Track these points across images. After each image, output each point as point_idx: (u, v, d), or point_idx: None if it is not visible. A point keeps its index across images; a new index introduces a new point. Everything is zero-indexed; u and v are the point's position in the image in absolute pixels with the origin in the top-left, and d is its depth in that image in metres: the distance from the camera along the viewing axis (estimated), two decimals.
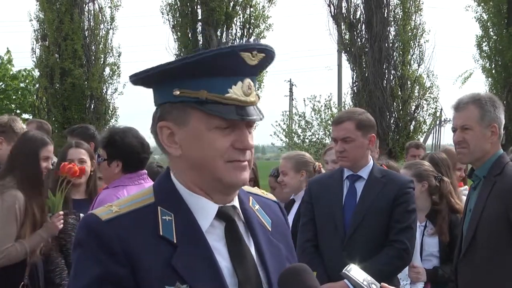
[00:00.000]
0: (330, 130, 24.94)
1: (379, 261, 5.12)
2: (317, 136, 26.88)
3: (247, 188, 2.60)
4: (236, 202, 2.45)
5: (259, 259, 2.42)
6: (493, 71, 26.66)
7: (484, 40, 26.76)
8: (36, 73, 25.93)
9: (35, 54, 25.49)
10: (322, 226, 5.64)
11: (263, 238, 2.47)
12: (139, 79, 2.39)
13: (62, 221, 5.83)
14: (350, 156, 5.46)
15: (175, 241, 2.28)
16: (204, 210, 2.37)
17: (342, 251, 5.24)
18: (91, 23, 25.68)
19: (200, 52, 2.28)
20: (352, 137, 5.39)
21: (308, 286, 2.25)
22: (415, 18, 26.27)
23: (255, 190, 2.66)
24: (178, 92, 2.28)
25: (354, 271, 2.40)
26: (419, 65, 26.40)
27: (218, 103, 2.27)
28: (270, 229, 2.53)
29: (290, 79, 63.32)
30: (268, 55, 2.33)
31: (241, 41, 26.25)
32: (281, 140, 29.11)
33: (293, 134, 27.92)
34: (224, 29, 26.29)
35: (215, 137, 2.29)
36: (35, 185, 5.95)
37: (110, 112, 25.72)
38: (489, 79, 26.79)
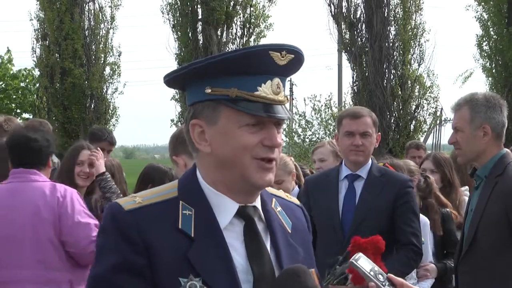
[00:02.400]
0: (330, 130, 25.16)
1: (398, 262, 5.15)
2: (317, 135, 26.91)
3: (271, 190, 2.65)
4: (258, 203, 2.50)
5: (276, 260, 2.44)
6: (493, 71, 26.73)
7: (484, 39, 26.80)
8: (37, 72, 26.01)
9: (35, 53, 25.59)
10: (320, 226, 5.63)
11: (282, 240, 2.50)
12: (172, 78, 2.47)
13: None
14: (366, 151, 5.50)
15: (192, 235, 2.32)
16: (225, 208, 2.41)
17: (341, 253, 5.22)
18: (92, 23, 25.72)
19: (233, 51, 2.35)
20: (370, 132, 5.45)
21: (307, 285, 2.24)
22: (415, 18, 26.32)
23: (280, 192, 2.70)
24: (209, 90, 2.35)
25: (362, 260, 2.42)
26: (419, 65, 26.49)
27: (247, 100, 2.33)
28: (290, 231, 2.56)
29: (291, 79, 63.41)
30: (296, 56, 2.40)
31: (241, 41, 26.30)
32: (282, 139, 29.12)
33: (293, 133, 27.97)
34: (225, 29, 26.35)
35: (243, 134, 2.35)
36: None
37: (110, 111, 25.78)
38: (489, 78, 26.85)
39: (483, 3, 26.84)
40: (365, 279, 2.42)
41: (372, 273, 2.39)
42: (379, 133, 5.56)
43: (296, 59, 2.41)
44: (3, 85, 27.48)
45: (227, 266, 2.32)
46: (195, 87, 2.40)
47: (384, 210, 5.47)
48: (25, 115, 27.45)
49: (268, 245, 2.45)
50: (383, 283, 2.37)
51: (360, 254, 2.46)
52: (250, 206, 2.45)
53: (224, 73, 2.34)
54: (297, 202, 2.76)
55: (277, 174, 7.11)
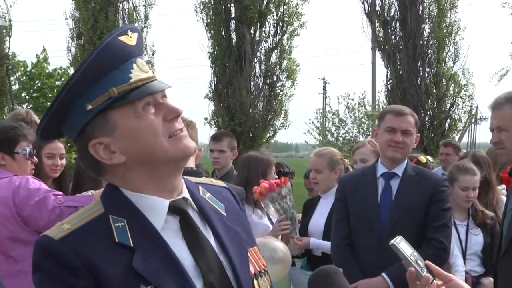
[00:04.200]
0: (364, 128, 25.08)
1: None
2: (350, 134, 26.81)
3: (194, 179, 2.62)
4: (186, 194, 2.45)
5: (219, 245, 2.42)
6: None
7: None
8: (72, 71, 26.05)
9: (70, 52, 25.69)
10: (357, 224, 5.67)
11: (220, 225, 2.48)
12: (45, 124, 2.37)
13: None
14: (406, 149, 5.54)
15: (132, 245, 2.28)
16: (155, 209, 2.36)
17: (378, 250, 5.24)
18: (126, 21, 25.77)
19: (87, 58, 2.28)
20: (411, 131, 5.48)
21: (339, 286, 2.25)
22: (450, 15, 26.09)
23: (203, 179, 2.68)
24: (90, 106, 2.27)
25: (403, 243, 2.41)
26: (454, 63, 26.25)
27: (130, 91, 2.29)
28: (224, 214, 2.54)
29: (324, 77, 63.23)
30: (138, 32, 2.39)
31: (275, 39, 26.27)
32: (315, 138, 29.05)
33: (326, 132, 27.87)
34: (258, 27, 26.27)
35: (147, 121, 2.30)
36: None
37: None
38: None
39: None
40: (404, 263, 2.41)
41: (412, 257, 2.38)
42: (419, 134, 5.59)
43: (139, 36, 2.39)
44: (39, 84, 27.62)
45: (174, 267, 2.29)
46: (72, 115, 2.33)
47: (419, 208, 5.50)
48: None
49: (207, 233, 2.43)
50: (422, 269, 2.36)
51: (401, 237, 2.45)
52: (180, 199, 2.41)
53: (95, 78, 2.28)
54: (223, 184, 2.74)
55: (317, 162, 7.15)
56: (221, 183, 2.73)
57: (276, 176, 6.98)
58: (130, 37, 2.34)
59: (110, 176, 2.40)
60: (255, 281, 2.49)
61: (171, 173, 2.38)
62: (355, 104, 27.25)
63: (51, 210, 5.04)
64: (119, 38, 2.30)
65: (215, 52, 26.65)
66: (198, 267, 2.32)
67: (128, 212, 2.34)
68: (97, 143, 2.31)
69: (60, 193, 5.29)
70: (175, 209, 2.38)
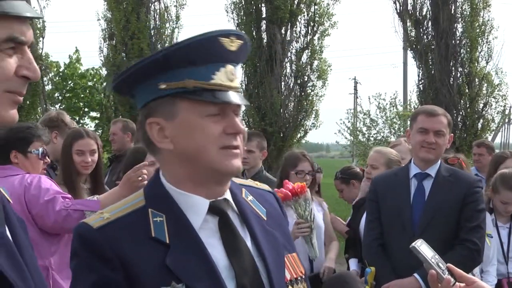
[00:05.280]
0: (395, 128, 24.98)
1: (451, 259, 5.11)
2: (382, 134, 26.74)
3: (239, 180, 2.62)
4: (228, 195, 2.46)
5: (256, 249, 2.42)
6: None
7: None
8: (104, 71, 26.26)
9: (102, 53, 25.84)
10: (389, 224, 5.67)
11: (259, 228, 2.48)
12: (121, 80, 2.41)
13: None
14: (438, 150, 5.52)
15: (167, 241, 2.29)
16: (196, 207, 2.37)
17: (411, 250, 5.23)
18: (157, 22, 25.90)
19: (182, 41, 2.31)
20: (444, 131, 5.47)
21: None
22: (483, 15, 25.88)
23: (248, 182, 2.68)
24: (164, 86, 2.29)
25: (424, 246, 2.42)
26: (487, 62, 26.03)
27: (205, 90, 2.28)
28: (265, 219, 2.54)
29: (355, 77, 63.11)
30: (244, 42, 2.37)
31: (305, 39, 26.23)
32: (346, 138, 29.07)
33: (357, 132, 27.84)
34: (289, 27, 26.26)
35: (206, 125, 2.30)
36: (68, 179, 5.99)
37: None
38: None
39: None
40: (425, 265, 2.41)
41: (433, 260, 2.39)
42: (452, 134, 5.58)
43: (244, 44, 2.37)
44: (71, 84, 27.85)
45: (207, 267, 2.29)
46: (146, 86, 2.34)
47: (452, 209, 5.49)
48: (93, 114, 27.82)
49: (245, 236, 2.42)
50: (443, 272, 2.36)
51: (422, 240, 2.46)
52: (221, 200, 2.42)
53: (176, 65, 2.29)
54: (267, 188, 2.75)
55: (375, 158, 7.18)
56: (266, 187, 2.74)
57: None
58: (232, 43, 2.33)
59: (159, 158, 2.44)
60: (290, 287, 2.47)
61: (210, 180, 2.38)
62: (387, 104, 27.23)
63: (57, 211, 5.15)
64: (220, 38, 2.30)
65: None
66: (232, 269, 2.32)
67: (168, 208, 2.35)
68: (155, 122, 2.35)
69: (69, 196, 5.41)
70: (215, 210, 2.39)
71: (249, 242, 2.42)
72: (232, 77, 2.33)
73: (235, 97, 2.31)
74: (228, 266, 2.32)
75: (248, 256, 2.38)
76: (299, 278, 2.52)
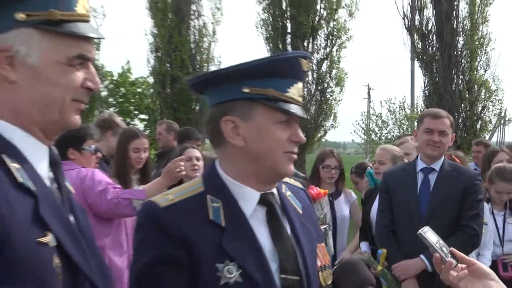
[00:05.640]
0: (404, 129, 24.83)
1: (453, 243, 5.12)
2: (392, 134, 26.54)
3: None
4: (274, 189, 2.48)
5: (294, 239, 2.43)
6: None
7: None
8: (151, 79, 26.33)
9: (149, 63, 25.92)
10: (399, 213, 5.67)
11: (297, 220, 2.50)
12: (212, 77, 2.43)
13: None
14: (442, 148, 5.51)
15: (223, 225, 2.30)
16: (248, 198, 2.39)
17: (418, 236, 5.22)
18: (196, 37, 25.92)
19: (272, 55, 2.37)
20: (447, 131, 5.46)
21: (364, 278, 2.25)
22: (482, 29, 25.62)
23: (286, 179, 2.66)
24: (247, 90, 2.30)
25: (429, 233, 2.40)
26: (485, 71, 25.78)
27: (280, 100, 2.31)
28: (301, 212, 2.56)
29: (368, 84, 62.78)
30: (311, 63, 2.47)
31: (325, 51, 26.16)
32: (360, 137, 28.95)
33: (370, 132, 27.70)
34: (310, 41, 26.19)
35: (276, 131, 2.33)
36: (121, 172, 6.02)
37: None
38: None
39: None
40: (431, 250, 2.40)
41: (437, 245, 2.37)
42: (454, 133, 5.55)
43: (310, 65, 2.41)
44: (123, 91, 27.99)
45: (256, 250, 2.31)
46: (229, 87, 2.35)
47: (454, 200, 5.48)
48: (142, 116, 27.93)
49: (286, 225, 2.45)
50: (446, 255, 2.34)
51: (428, 227, 2.44)
52: (269, 193, 2.44)
53: (263, 75, 2.30)
54: (300, 185, 2.76)
55: (382, 155, 7.22)
56: (298, 184, 2.75)
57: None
58: (306, 64, 2.38)
59: (223, 150, 2.45)
60: (320, 273, 2.51)
61: (268, 178, 2.42)
62: (396, 107, 27.04)
63: (109, 200, 5.27)
64: (300, 59, 2.35)
65: None
66: (276, 253, 2.34)
67: (224, 196, 2.37)
68: (230, 120, 2.36)
69: (119, 186, 5.49)
70: (264, 201, 2.41)
71: (288, 231, 2.44)
72: (300, 93, 2.39)
73: (300, 111, 2.37)
74: (273, 250, 2.34)
75: (289, 243, 2.40)
76: (326, 265, 2.56)
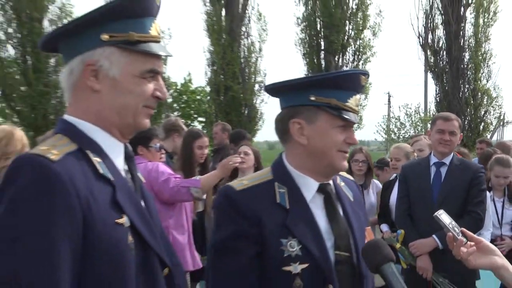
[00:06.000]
0: (418, 129, 24.54)
1: (461, 225, 5.06)
2: (408, 133, 26.32)
3: None
4: (330, 181, 2.47)
5: (346, 221, 2.42)
6: None
7: None
8: (208, 88, 26.46)
9: (206, 75, 26.01)
10: (415, 201, 5.65)
11: (349, 206, 2.48)
12: (289, 85, 2.42)
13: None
14: (452, 146, 5.44)
15: (287, 207, 2.30)
16: (309, 186, 2.38)
17: (431, 220, 5.16)
18: (246, 53, 25.93)
19: (341, 71, 2.38)
20: (456, 132, 5.41)
21: (385, 254, 2.24)
22: (484, 46, 25.25)
23: (340, 172, 2.65)
24: (314, 98, 2.30)
25: (444, 215, 2.35)
26: (487, 81, 25.42)
27: (340, 109, 2.31)
28: (352, 200, 2.53)
29: (388, 92, 61.98)
30: (367, 77, 2.41)
31: (353, 65, 25.97)
32: (382, 136, 28.76)
33: (390, 132, 27.51)
34: (340, 56, 26.03)
35: (335, 134, 2.33)
36: (187, 166, 6.03)
37: (258, 116, 25.88)
38: None
39: None
40: (445, 230, 2.36)
41: (450, 225, 2.31)
42: (462, 133, 5.52)
43: (367, 79, 2.42)
44: (185, 98, 28.18)
45: (314, 229, 2.31)
46: (298, 94, 2.35)
47: (462, 189, 5.46)
48: (200, 119, 28.05)
49: (339, 210, 2.43)
50: (458, 234, 2.30)
51: (443, 210, 2.38)
52: (326, 183, 2.43)
53: (328, 86, 2.31)
54: (352, 178, 2.74)
55: (397, 153, 7.20)
56: (351, 177, 2.74)
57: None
58: (365, 80, 2.39)
59: (289, 146, 2.45)
60: None
61: (325, 172, 2.41)
62: (412, 111, 26.92)
63: (171, 188, 5.32)
64: (360, 76, 2.36)
65: (309, 75, 26.49)
66: (331, 232, 2.34)
67: (289, 184, 2.37)
68: (297, 122, 2.36)
69: (179, 176, 5.54)
70: (322, 190, 2.40)
71: (341, 215, 2.43)
72: (357, 103, 2.38)
73: (356, 118, 2.38)
74: (328, 230, 2.34)
75: (342, 225, 2.39)
76: None
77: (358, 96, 2.38)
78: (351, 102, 2.34)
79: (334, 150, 2.35)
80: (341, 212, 2.44)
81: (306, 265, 2.23)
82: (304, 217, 2.31)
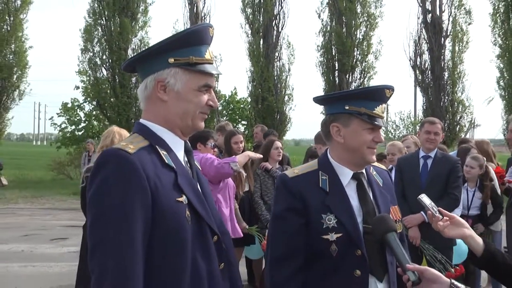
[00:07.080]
0: (410, 130, 24.10)
1: (442, 203, 5.01)
2: (402, 134, 25.95)
3: None
4: (363, 170, 2.43)
5: (374, 202, 2.37)
6: (506, 97, 24.47)
7: (500, 79, 24.56)
8: (249, 99, 26.49)
9: (248, 89, 25.98)
10: (407, 185, 5.58)
11: (377, 191, 2.43)
12: (328, 98, 2.43)
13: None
14: (436, 143, 5.41)
15: (327, 190, 2.29)
16: (345, 174, 2.36)
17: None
18: (277, 72, 25.85)
19: (371, 86, 2.32)
20: (439, 132, 5.41)
21: (390, 225, 2.20)
22: (459, 67, 24.72)
23: (374, 163, 2.60)
24: (348, 107, 2.29)
25: (425, 198, 2.30)
26: (462, 93, 24.84)
27: (369, 115, 2.30)
28: (381, 185, 2.47)
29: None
30: (393, 93, 2.36)
31: (360, 81, 25.61)
32: (381, 136, 28.36)
33: (388, 132, 27.17)
34: (350, 74, 25.72)
35: (365, 135, 2.32)
36: (229, 157, 6.10)
37: (287, 120, 25.77)
38: (504, 101, 24.58)
39: (500, 58, 24.50)
40: (426, 209, 2.30)
41: (430, 205, 2.25)
42: (443, 133, 5.46)
43: (393, 94, 2.36)
44: (232, 106, 28.23)
45: (348, 207, 2.28)
46: (337, 104, 2.34)
47: (443, 176, 5.47)
48: (243, 122, 28.03)
49: (369, 193, 2.39)
50: (436, 212, 2.24)
51: (424, 194, 2.32)
52: (359, 172, 2.39)
53: (360, 98, 2.29)
54: (384, 167, 2.67)
55: (392, 149, 7.11)
56: (383, 167, 2.68)
57: None
58: (389, 93, 2.34)
59: (331, 144, 2.42)
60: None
61: (358, 163, 2.38)
62: (405, 116, 26.54)
63: (215, 166, 5.32)
64: (385, 90, 2.31)
65: (326, 92, 26.25)
66: (361, 210, 2.31)
67: (330, 172, 2.35)
68: (335, 126, 2.36)
69: (219, 159, 5.57)
70: (356, 177, 2.38)
71: (371, 197, 2.40)
72: (383, 110, 2.35)
73: (382, 123, 2.35)
74: (359, 209, 2.32)
75: (371, 205, 2.36)
76: (397, 220, 2.48)
77: (384, 105, 2.33)
78: (378, 110, 2.30)
79: (364, 147, 2.32)
80: (370, 195, 2.40)
81: (340, 234, 2.24)
82: (340, 198, 2.29)
